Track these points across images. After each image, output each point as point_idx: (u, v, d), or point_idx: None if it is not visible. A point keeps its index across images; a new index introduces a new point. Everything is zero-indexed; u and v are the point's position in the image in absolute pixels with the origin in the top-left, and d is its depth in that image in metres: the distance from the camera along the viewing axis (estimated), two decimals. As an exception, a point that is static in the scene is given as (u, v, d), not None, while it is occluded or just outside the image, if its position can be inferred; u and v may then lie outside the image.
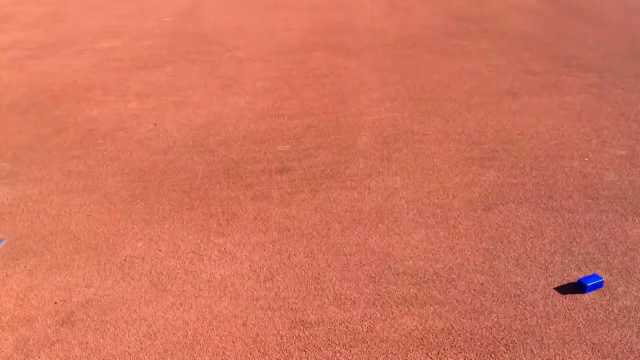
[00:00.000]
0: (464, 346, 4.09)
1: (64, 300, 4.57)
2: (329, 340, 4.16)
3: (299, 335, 4.21)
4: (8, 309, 4.50)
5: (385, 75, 9.36)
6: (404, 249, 5.12)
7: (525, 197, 5.89)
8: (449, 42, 11.15)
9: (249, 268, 4.92)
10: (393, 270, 4.84)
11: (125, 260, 5.04)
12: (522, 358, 3.98)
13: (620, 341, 4.10)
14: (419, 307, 4.45)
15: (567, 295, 4.52)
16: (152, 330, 4.27)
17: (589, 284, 4.50)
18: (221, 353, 4.07)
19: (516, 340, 4.12)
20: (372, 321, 4.32)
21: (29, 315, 4.43)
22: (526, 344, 4.10)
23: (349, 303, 4.50)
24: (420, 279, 4.75)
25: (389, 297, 4.55)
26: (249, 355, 4.05)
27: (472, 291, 4.60)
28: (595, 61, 9.92)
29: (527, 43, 11.04)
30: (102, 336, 4.22)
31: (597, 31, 11.81)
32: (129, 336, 4.22)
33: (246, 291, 4.65)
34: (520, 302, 4.47)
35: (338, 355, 4.03)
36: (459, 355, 4.01)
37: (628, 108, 7.99)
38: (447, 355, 4.02)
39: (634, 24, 12.30)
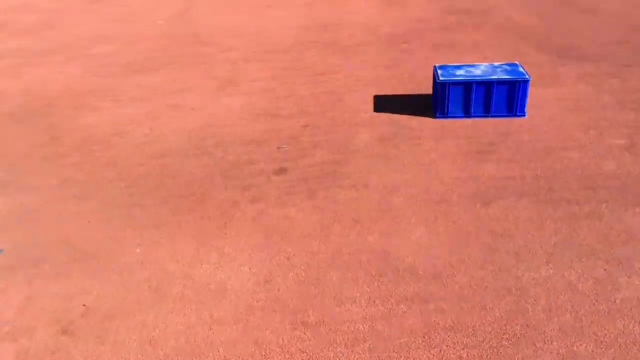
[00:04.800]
0: (466, 342, 4.06)
1: (64, 309, 4.54)
2: (331, 340, 4.14)
3: (300, 336, 4.19)
4: (8, 319, 4.48)
5: (381, 72, 9.32)
6: (404, 246, 5.09)
7: (524, 190, 5.86)
8: (444, 36, 11.11)
9: (248, 270, 4.89)
10: (393, 268, 4.82)
11: (124, 266, 5.02)
12: (525, 352, 3.96)
13: (622, 332, 4.08)
14: (420, 305, 4.42)
15: (569, 287, 4.50)
16: (153, 336, 4.25)
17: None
18: (222, 357, 4.05)
19: (519, 335, 4.10)
20: (373, 320, 4.29)
21: (29, 325, 4.41)
22: (529, 338, 4.07)
23: (349, 302, 4.48)
24: (421, 276, 4.72)
25: (390, 295, 4.53)
26: (250, 358, 4.03)
27: (474, 286, 4.58)
28: (591, 51, 9.88)
29: (522, 34, 11.00)
30: (103, 344, 4.20)
31: (592, 21, 11.77)
32: (129, 343, 4.20)
33: (246, 294, 4.63)
34: (522, 296, 4.45)
35: (340, 355, 4.01)
36: (461, 352, 3.99)
37: (625, 97, 7.96)
38: (450, 352, 4.00)
39: (629, 13, 12.26)
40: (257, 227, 5.47)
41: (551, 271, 4.69)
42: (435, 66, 7.77)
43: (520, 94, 7.34)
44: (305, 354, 4.04)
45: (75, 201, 6.05)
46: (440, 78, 7.32)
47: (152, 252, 5.19)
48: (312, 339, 4.16)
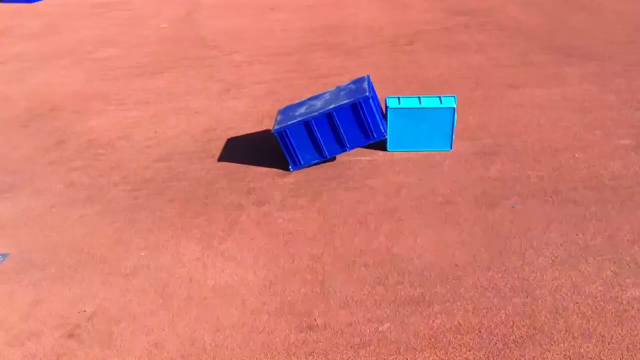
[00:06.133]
0: (472, 344, 4.05)
1: (70, 313, 4.55)
2: (337, 343, 4.13)
3: (306, 339, 4.18)
4: (14, 323, 4.49)
5: (385, 73, 9.31)
6: (410, 248, 5.08)
7: (530, 191, 5.84)
8: (447, 37, 11.10)
9: (254, 273, 4.89)
10: (399, 270, 4.81)
11: (129, 270, 5.03)
12: (531, 354, 3.94)
13: (629, 333, 4.05)
14: (426, 307, 4.41)
15: (575, 289, 4.48)
16: (159, 339, 4.25)
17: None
18: (228, 360, 4.04)
19: (525, 336, 4.08)
20: (379, 322, 4.28)
21: (35, 329, 4.42)
22: (535, 339, 4.05)
23: (355, 305, 4.47)
24: (427, 277, 4.71)
25: (396, 297, 4.52)
26: (256, 361, 4.02)
27: (480, 288, 4.56)
28: (596, 50, 9.84)
29: (526, 34, 10.97)
30: (109, 347, 4.21)
31: (597, 20, 11.73)
32: (135, 346, 4.20)
33: (252, 297, 4.62)
34: (529, 298, 4.43)
35: (346, 358, 4.00)
36: (468, 354, 3.98)
37: (631, 96, 7.92)
38: (456, 354, 3.98)
39: (635, 13, 12.21)
40: (262, 230, 5.46)
41: (557, 272, 4.67)
42: (279, 110, 6.76)
43: (366, 114, 6.23)
44: (312, 357, 4.03)
45: (80, 205, 6.06)
46: (276, 126, 6.26)
47: (158, 255, 5.19)
48: (318, 342, 4.15)
